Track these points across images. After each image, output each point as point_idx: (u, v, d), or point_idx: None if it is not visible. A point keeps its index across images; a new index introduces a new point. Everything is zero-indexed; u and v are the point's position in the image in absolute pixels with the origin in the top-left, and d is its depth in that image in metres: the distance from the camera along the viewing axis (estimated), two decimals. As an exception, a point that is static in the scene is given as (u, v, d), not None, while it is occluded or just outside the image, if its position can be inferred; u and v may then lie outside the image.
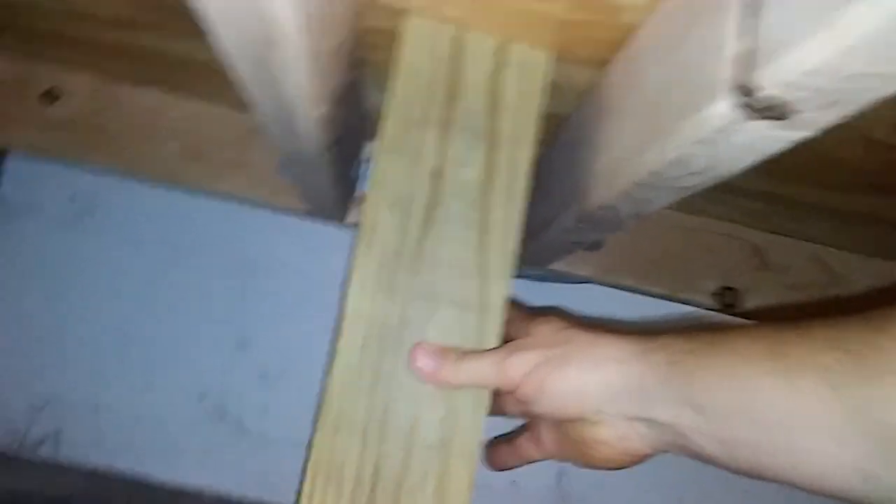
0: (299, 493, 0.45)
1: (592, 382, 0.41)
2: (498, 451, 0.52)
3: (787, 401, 0.34)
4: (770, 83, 0.26)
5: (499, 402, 0.50)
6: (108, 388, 0.98)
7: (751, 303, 0.81)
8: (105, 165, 0.73)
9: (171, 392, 0.99)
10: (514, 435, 0.52)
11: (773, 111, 0.27)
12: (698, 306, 0.81)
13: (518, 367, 0.42)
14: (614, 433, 0.42)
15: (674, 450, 0.41)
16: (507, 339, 0.45)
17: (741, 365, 0.36)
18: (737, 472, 0.38)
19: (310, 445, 0.45)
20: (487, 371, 0.42)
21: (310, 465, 0.45)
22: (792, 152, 0.30)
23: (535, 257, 0.69)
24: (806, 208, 0.72)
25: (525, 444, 0.51)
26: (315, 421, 0.45)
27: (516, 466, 0.52)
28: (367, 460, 0.45)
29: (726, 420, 0.36)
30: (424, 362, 0.43)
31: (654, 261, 0.80)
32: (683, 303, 0.81)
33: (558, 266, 0.75)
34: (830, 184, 0.63)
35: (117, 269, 1.00)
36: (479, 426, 0.45)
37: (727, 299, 0.81)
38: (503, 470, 0.52)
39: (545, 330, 0.45)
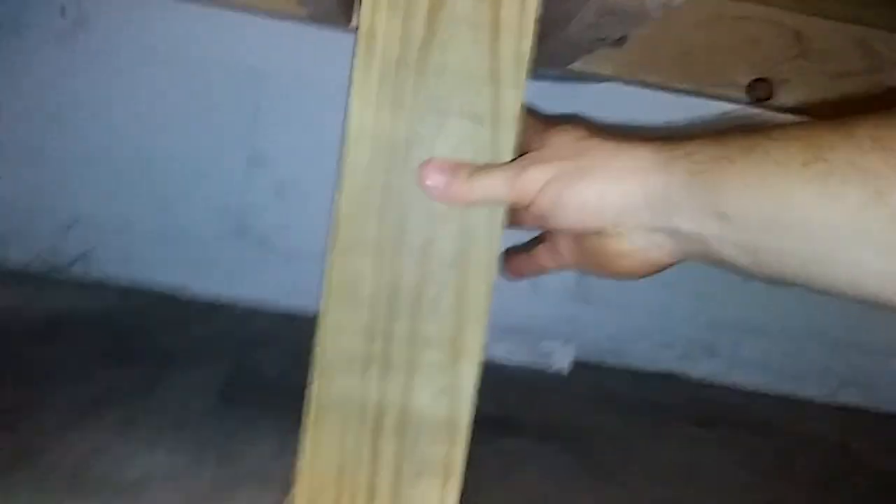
0: (320, 308, 0.46)
1: (611, 195, 0.39)
2: (515, 260, 0.52)
3: (826, 210, 0.32)
4: None
5: (515, 214, 0.48)
6: (131, 207, 0.99)
7: (788, 96, 0.76)
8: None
9: (191, 210, 0.99)
10: (530, 244, 0.51)
11: None
12: (729, 101, 0.77)
13: (533, 182, 0.40)
14: (634, 245, 0.41)
15: (696, 258, 0.40)
16: (521, 152, 0.42)
17: (775, 171, 0.34)
18: (761, 278, 0.37)
19: (325, 264, 0.45)
20: (501, 186, 0.41)
21: (326, 285, 0.45)
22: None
23: (552, 57, 0.64)
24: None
25: (542, 254, 0.50)
26: (328, 242, 0.44)
27: (533, 275, 0.52)
28: (383, 278, 0.45)
29: (756, 230, 0.35)
30: (435, 179, 0.41)
31: (682, 54, 0.74)
32: (713, 98, 0.76)
33: (578, 66, 0.70)
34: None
35: (122, 88, 0.96)
36: (495, 240, 0.44)
37: (760, 92, 0.76)
38: (520, 278, 0.52)
39: (562, 140, 0.42)
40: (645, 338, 1.08)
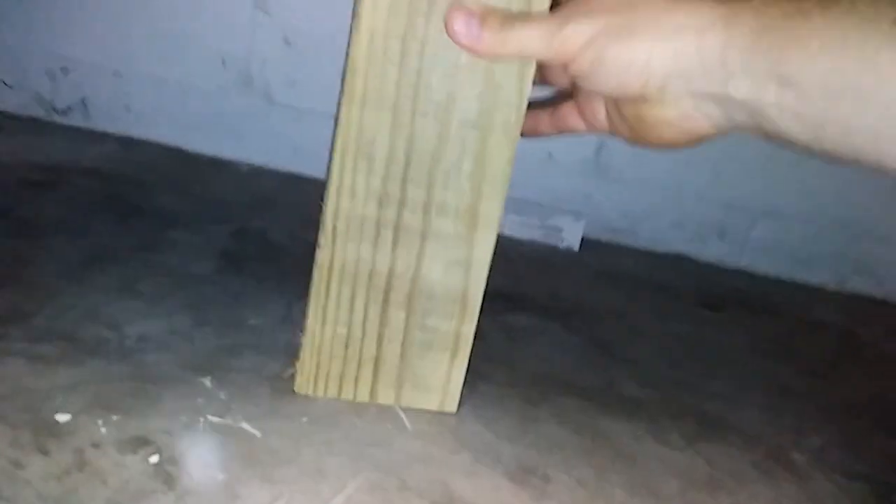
0: (329, 169, 0.42)
1: (661, 56, 0.35)
2: (536, 118, 0.47)
3: None
4: None
5: (547, 72, 0.44)
6: (129, 54, 0.93)
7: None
8: None
9: (193, 58, 0.94)
10: (556, 102, 0.47)
11: None
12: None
13: (574, 38, 0.36)
14: (678, 112, 0.37)
15: (744, 130, 0.36)
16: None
17: (859, 29, 0.29)
18: (816, 154, 0.34)
19: (337, 121, 0.41)
20: (537, 41, 0.36)
21: (338, 141, 0.41)
22: None
23: None
24: None
25: (570, 115, 0.46)
26: (340, 95, 0.40)
27: (555, 135, 0.48)
28: (400, 136, 0.41)
29: (827, 99, 0.31)
30: (463, 27, 0.36)
31: None
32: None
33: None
34: None
35: None
36: (522, 103, 0.40)
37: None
38: (538, 136, 0.48)
39: None
40: (657, 217, 1.06)
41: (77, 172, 0.81)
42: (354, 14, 0.38)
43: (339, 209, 0.43)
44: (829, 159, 0.34)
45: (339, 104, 0.41)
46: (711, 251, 1.08)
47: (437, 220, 0.44)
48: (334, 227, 0.43)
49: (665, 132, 0.38)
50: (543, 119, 0.47)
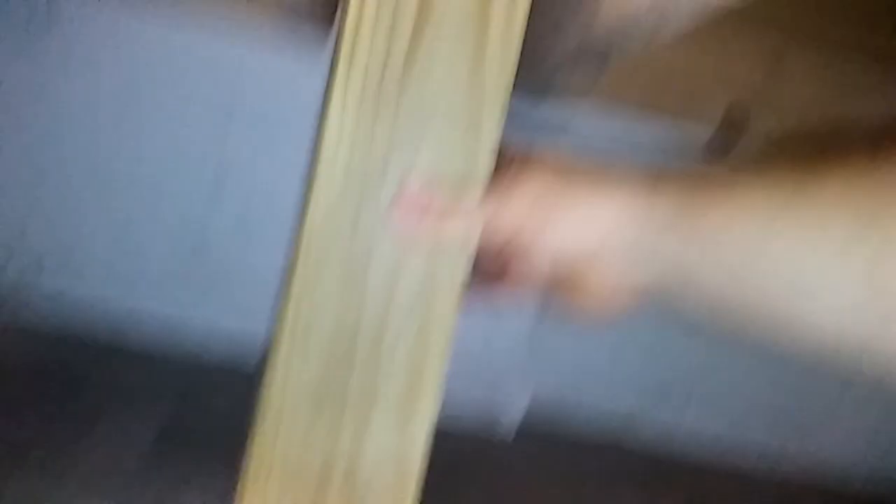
0: (270, 346, 0.41)
1: (603, 213, 0.38)
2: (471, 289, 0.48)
3: (810, 242, 0.31)
4: None
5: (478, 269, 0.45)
6: (87, 221, 0.92)
7: (764, 120, 0.74)
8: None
9: (150, 227, 0.93)
10: (488, 275, 0.48)
11: None
12: (704, 126, 0.75)
13: (521, 201, 0.38)
14: (612, 270, 0.39)
15: (675, 289, 0.38)
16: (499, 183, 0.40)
17: (761, 199, 0.33)
18: (736, 321, 0.36)
19: (282, 297, 0.40)
20: (487, 210, 0.38)
21: (278, 326, 0.40)
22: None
23: (530, 83, 0.61)
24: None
25: (502, 287, 0.47)
26: (285, 272, 0.40)
27: (488, 307, 0.50)
28: (343, 320, 0.40)
29: (740, 256, 0.34)
30: (411, 215, 0.38)
31: (658, 79, 0.72)
32: (689, 121, 0.74)
33: (553, 92, 0.67)
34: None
35: (86, 99, 0.89)
36: (458, 284, 0.40)
37: (735, 117, 0.75)
38: (474, 309, 0.49)
39: (546, 165, 0.40)
40: (592, 400, 1.05)
41: (12, 365, 0.77)
42: (306, 190, 0.39)
43: (275, 394, 0.41)
44: (747, 329, 0.36)
45: (284, 284, 0.40)
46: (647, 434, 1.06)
47: (374, 408, 0.42)
48: (269, 414, 0.41)
49: (603, 291, 0.40)
50: (478, 290, 0.47)
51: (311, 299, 0.40)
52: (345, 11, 0.38)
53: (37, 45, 0.88)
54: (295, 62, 0.86)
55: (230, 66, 0.91)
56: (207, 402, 0.79)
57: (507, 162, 0.42)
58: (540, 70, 0.52)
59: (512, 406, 0.96)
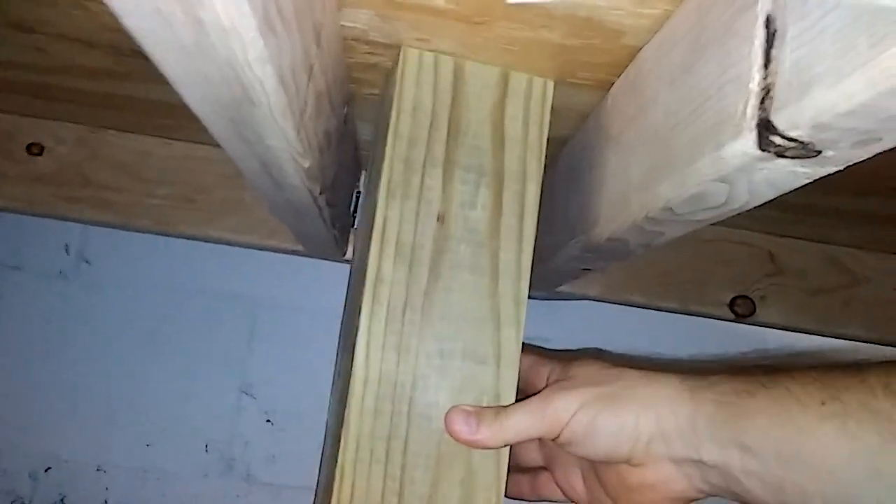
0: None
1: (645, 419, 0.39)
2: (518, 484, 0.49)
3: (845, 448, 0.33)
4: (800, 123, 0.23)
5: (518, 453, 0.47)
6: (112, 445, 0.94)
7: (770, 311, 0.78)
8: (94, 222, 0.71)
9: (176, 444, 0.95)
10: (535, 470, 0.49)
11: (802, 150, 0.25)
12: (713, 318, 0.79)
13: (565, 409, 0.40)
14: (659, 476, 0.40)
15: (719, 493, 0.39)
16: (531, 391, 0.42)
17: (796, 407, 0.35)
18: None
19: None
20: (531, 419, 0.39)
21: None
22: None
23: (540, 282, 0.66)
24: (818, 211, 0.69)
25: (547, 485, 0.48)
26: (322, 493, 0.42)
27: (535, 500, 0.50)
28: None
29: (779, 464, 0.35)
30: (464, 426, 0.39)
31: (664, 274, 0.77)
32: (697, 315, 0.78)
33: (564, 287, 0.72)
34: (845, 188, 0.61)
35: (117, 321, 0.97)
36: (500, 484, 0.42)
37: (742, 309, 0.79)
38: (521, 500, 0.50)
39: (587, 370, 0.42)
40: None
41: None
42: (337, 417, 0.41)
43: None
44: None
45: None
46: None
47: None
48: None
49: (648, 496, 0.41)
50: (524, 484, 0.49)
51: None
52: (363, 261, 0.42)
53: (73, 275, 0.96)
54: (316, 270, 0.92)
55: (250, 270, 0.97)
56: None
57: (551, 364, 0.45)
58: (546, 272, 0.57)
59: None
